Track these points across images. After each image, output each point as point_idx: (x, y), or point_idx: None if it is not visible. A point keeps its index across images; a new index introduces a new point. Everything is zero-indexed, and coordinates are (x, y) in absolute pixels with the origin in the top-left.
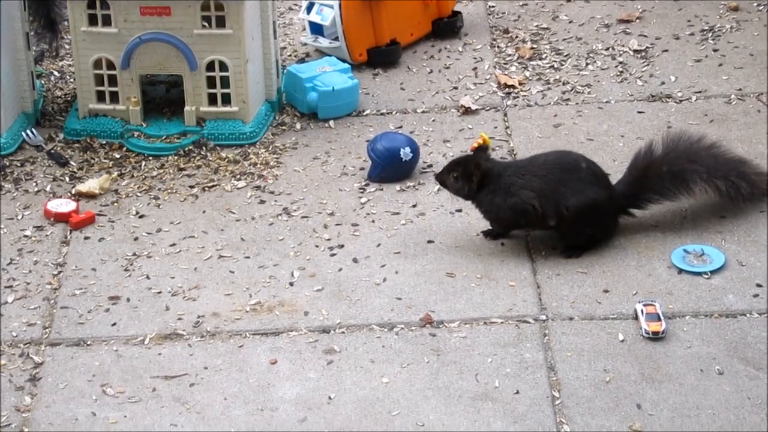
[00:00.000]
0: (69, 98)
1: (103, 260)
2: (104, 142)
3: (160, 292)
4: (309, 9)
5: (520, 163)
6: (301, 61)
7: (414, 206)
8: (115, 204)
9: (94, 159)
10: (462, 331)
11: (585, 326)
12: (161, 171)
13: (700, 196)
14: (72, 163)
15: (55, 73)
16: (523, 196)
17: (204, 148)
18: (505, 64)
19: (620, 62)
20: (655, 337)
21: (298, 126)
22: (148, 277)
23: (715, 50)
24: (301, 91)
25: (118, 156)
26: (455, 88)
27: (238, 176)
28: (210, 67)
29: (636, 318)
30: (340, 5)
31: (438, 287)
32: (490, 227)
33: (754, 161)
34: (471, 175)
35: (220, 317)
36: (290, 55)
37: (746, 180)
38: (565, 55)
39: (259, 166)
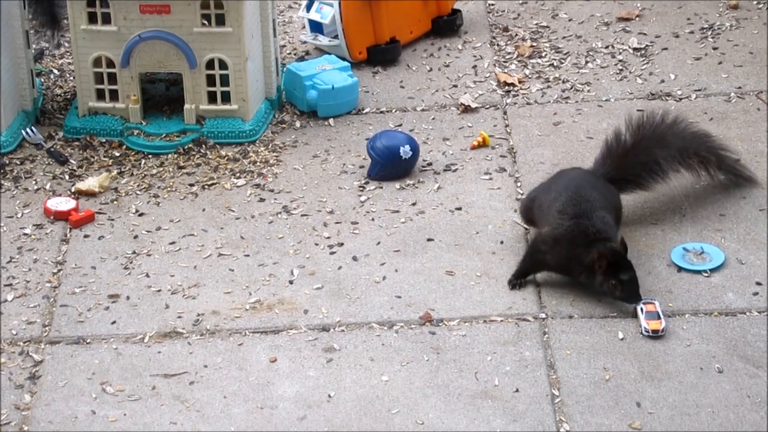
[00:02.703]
0: (69, 96)
1: (103, 258)
2: (104, 140)
3: (159, 291)
4: (309, 7)
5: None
6: (301, 59)
7: (414, 204)
8: (115, 202)
9: (93, 157)
10: (462, 330)
11: (584, 324)
12: (161, 169)
13: (674, 177)
14: (72, 161)
15: (55, 71)
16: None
17: (204, 146)
18: (504, 62)
19: (620, 60)
20: (655, 335)
21: (297, 124)
22: (147, 276)
23: (714, 48)
24: (300, 89)
25: (117, 154)
26: (455, 86)
27: (238, 174)
28: (210, 65)
29: (636, 316)
30: (339, 3)
31: (437, 285)
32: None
33: (723, 140)
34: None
35: (219, 315)
36: (290, 53)
37: (714, 154)
38: (565, 53)
39: (258, 164)
